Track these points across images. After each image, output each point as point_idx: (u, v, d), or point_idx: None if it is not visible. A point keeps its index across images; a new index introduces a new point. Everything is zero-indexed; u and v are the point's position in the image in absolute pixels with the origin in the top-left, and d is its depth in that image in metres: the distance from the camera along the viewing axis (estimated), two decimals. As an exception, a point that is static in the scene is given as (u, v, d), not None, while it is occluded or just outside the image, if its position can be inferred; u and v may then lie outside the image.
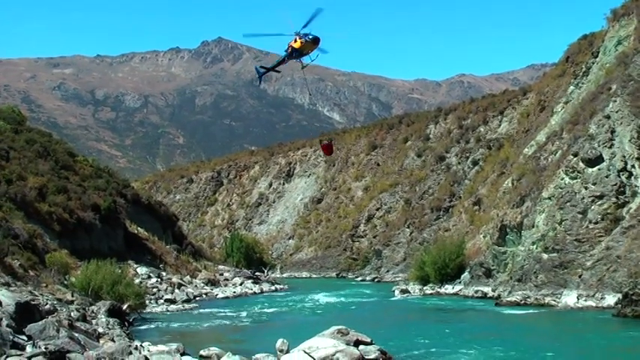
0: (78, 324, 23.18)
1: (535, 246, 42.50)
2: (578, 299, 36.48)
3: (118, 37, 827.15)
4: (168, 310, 39.58)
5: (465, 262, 51.84)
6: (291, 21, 23.11)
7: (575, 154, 42.47)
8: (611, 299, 34.57)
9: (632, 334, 27.19)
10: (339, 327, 22.33)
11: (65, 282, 33.87)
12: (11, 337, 17.94)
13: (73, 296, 30.79)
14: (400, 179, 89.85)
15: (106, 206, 51.19)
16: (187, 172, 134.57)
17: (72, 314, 25.16)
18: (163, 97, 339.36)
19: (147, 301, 38.60)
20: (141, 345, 21.90)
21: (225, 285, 57.82)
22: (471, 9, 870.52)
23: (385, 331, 28.96)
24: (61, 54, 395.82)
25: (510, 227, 46.41)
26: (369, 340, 21.97)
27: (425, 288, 52.39)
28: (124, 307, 31.78)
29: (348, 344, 21.17)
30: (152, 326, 32.25)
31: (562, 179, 42.71)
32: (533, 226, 43.61)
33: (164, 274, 52.02)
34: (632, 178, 39.66)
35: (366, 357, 20.85)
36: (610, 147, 41.03)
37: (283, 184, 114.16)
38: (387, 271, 74.88)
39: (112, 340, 22.70)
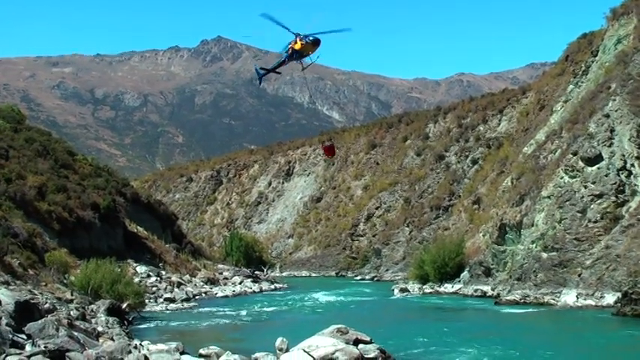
0: (77, 323, 23.18)
1: (534, 245, 42.52)
2: (578, 298, 36.49)
3: (118, 35, 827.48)
4: (167, 309, 39.59)
5: (464, 261, 51.84)
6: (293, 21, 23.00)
7: (575, 153, 42.49)
8: (610, 298, 34.59)
9: (632, 333, 27.20)
10: (339, 326, 22.32)
11: (65, 281, 33.88)
12: (11, 335, 17.92)
13: (72, 295, 30.80)
14: (399, 178, 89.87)
15: (106, 205, 51.19)
16: (187, 171, 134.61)
17: (71, 313, 25.16)
18: (163, 96, 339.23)
19: (146, 300, 38.61)
20: (140, 344, 21.89)
21: (225, 284, 57.83)
22: (470, 8, 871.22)
23: (384, 329, 28.97)
24: (60, 53, 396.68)
25: (510, 226, 46.42)
26: (368, 338, 21.97)
27: (424, 287, 52.39)
28: (124, 306, 31.78)
29: (347, 343, 21.17)
30: (151, 325, 32.27)
31: (561, 178, 42.73)
32: (532, 225, 43.62)
33: (163, 273, 52.04)
34: (632, 176, 39.68)
35: (366, 356, 20.85)
36: (609, 146, 41.05)
37: (283, 183, 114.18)
38: (387, 270, 74.91)
39: (112, 339, 22.70)
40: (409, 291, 52.22)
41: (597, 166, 40.80)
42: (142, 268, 49.61)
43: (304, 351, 20.54)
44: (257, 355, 20.86)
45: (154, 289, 45.12)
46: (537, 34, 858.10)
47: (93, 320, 26.18)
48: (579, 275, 38.09)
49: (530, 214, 44.29)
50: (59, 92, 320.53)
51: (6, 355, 16.61)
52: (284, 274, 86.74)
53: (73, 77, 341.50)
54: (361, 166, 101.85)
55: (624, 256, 35.85)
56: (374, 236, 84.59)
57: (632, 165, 40.03)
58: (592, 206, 39.72)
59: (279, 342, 21.77)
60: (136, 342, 22.28)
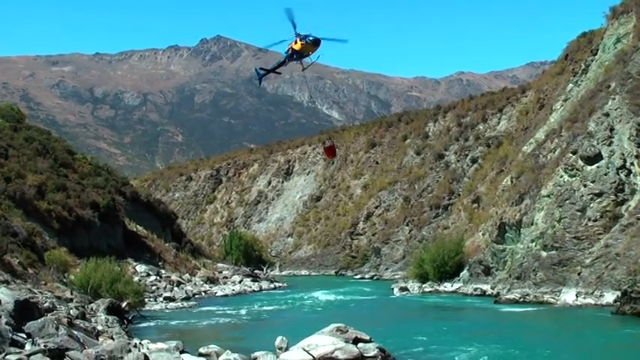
0: (77, 322, 23.19)
1: (534, 244, 42.55)
2: (577, 297, 36.51)
3: (117, 35, 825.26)
4: (167, 308, 39.61)
5: (463, 259, 51.84)
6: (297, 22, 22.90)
7: (574, 152, 42.50)
8: (609, 297, 34.60)
9: (631, 332, 27.22)
10: (338, 325, 22.36)
11: (64, 280, 33.90)
12: (10, 334, 17.93)
13: (72, 294, 30.83)
14: (399, 177, 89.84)
15: (105, 204, 51.19)
16: (186, 170, 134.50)
17: (71, 312, 25.17)
18: (162, 95, 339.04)
19: (146, 299, 38.61)
20: (140, 343, 21.91)
21: (225, 283, 57.84)
22: (470, 6, 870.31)
23: (384, 328, 28.98)
24: (59, 52, 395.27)
25: (509, 225, 46.44)
26: (367, 337, 22.00)
27: (424, 286, 52.38)
28: (123, 304, 31.80)
29: (347, 342, 21.20)
30: (151, 324, 32.29)
31: (561, 177, 42.76)
32: (532, 224, 43.65)
33: (163, 271, 52.07)
34: (631, 175, 39.71)
35: (365, 354, 20.88)
36: (609, 145, 41.07)
37: (282, 181, 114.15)
38: (386, 269, 74.93)
39: (111, 338, 22.70)
40: (409, 290, 52.23)
41: (597, 164, 40.82)
42: (141, 267, 49.64)
43: (304, 350, 20.57)
44: (257, 353, 20.88)
45: (154, 288, 45.16)
46: (537, 33, 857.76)
47: (92, 319, 26.20)
48: (579, 274, 38.12)
49: (530, 213, 44.32)
50: (59, 91, 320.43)
51: (6, 354, 16.62)
52: (283, 273, 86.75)
53: (72, 76, 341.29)
54: (361, 165, 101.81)
55: (624, 255, 35.88)
56: (373, 235, 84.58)
57: (632, 164, 40.05)
58: (591, 205, 39.75)
59: (278, 341, 21.80)
60: (136, 341, 22.30)
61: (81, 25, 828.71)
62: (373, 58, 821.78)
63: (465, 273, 50.41)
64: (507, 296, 40.68)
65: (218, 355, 21.32)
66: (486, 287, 45.50)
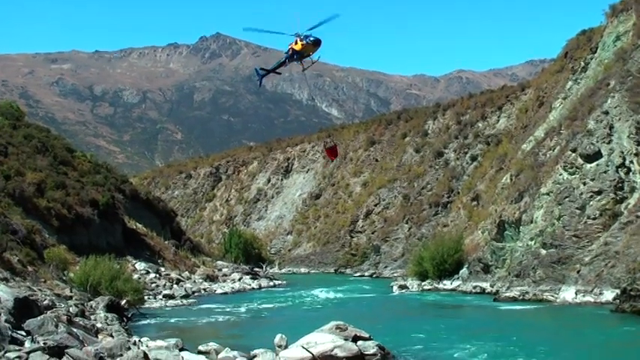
0: (76, 319, 23.20)
1: (533, 242, 42.57)
2: (577, 295, 36.55)
3: (116, 32, 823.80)
4: (166, 306, 39.62)
5: (463, 257, 51.85)
6: (299, 20, 22.92)
7: (574, 150, 42.51)
8: (609, 295, 34.63)
9: (630, 330, 27.24)
10: (338, 322, 22.35)
11: (64, 277, 33.93)
12: (10, 332, 17.93)
13: (71, 292, 30.85)
14: (398, 175, 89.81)
15: (105, 202, 51.18)
16: (186, 167, 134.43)
17: (70, 310, 25.18)
18: (162, 93, 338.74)
19: (145, 297, 38.68)
20: (139, 340, 21.92)
21: (224, 281, 57.86)
22: (469, 4, 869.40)
23: (383, 326, 29.00)
24: (59, 49, 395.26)
25: (509, 223, 46.45)
26: (367, 335, 22.00)
27: (423, 284, 52.39)
28: (123, 302, 31.84)
29: (346, 340, 21.20)
30: (151, 322, 32.29)
31: (560, 175, 42.76)
32: (531, 222, 43.66)
33: (162, 269, 52.08)
34: (631, 173, 39.72)
35: (365, 352, 20.89)
36: (608, 143, 41.09)
37: (282, 179, 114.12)
38: (386, 267, 74.94)
39: (111, 336, 22.72)
40: (408, 288, 52.26)
41: (596, 162, 40.83)
42: (140, 265, 49.65)
43: (303, 347, 20.58)
44: (256, 351, 20.89)
45: (153, 285, 45.18)
46: (536, 31, 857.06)
47: (92, 317, 26.23)
48: (578, 272, 38.15)
49: (529, 211, 44.33)
50: (58, 89, 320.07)
51: (5, 352, 16.61)
52: (283, 270, 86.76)
53: (71, 74, 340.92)
54: (360, 163, 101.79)
55: (623, 253, 35.91)
56: (373, 233, 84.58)
57: (631, 162, 40.06)
58: (591, 203, 39.76)
59: (278, 338, 21.81)
60: (135, 338, 22.31)
61: (80, 22, 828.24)
62: (373, 56, 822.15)
63: (464, 271, 50.43)
64: (507, 294, 40.70)
65: (217, 353, 21.33)
66: (486, 285, 45.52)
